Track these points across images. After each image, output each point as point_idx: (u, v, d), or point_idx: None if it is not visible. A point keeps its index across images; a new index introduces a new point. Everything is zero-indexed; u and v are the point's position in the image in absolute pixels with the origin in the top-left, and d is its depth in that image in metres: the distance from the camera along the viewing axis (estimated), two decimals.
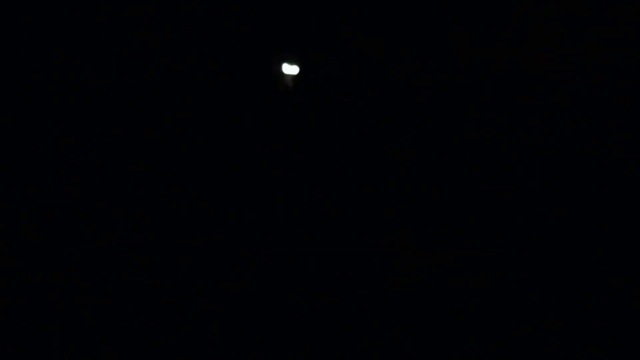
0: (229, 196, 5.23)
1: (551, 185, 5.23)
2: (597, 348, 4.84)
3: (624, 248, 5.07)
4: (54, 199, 5.11)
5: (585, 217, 5.16)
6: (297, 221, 5.20)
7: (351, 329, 4.92)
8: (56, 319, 4.85)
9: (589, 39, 5.34)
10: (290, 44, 5.44)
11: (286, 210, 5.22)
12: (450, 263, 5.09)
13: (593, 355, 4.83)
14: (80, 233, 5.07)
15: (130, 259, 5.03)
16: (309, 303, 4.98)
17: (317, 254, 5.11)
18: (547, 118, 5.32)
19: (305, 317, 4.94)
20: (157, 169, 5.23)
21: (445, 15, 5.41)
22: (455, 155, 5.31)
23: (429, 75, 5.40)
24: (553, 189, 5.22)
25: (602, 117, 5.30)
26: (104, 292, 4.94)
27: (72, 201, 5.12)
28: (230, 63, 5.41)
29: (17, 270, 4.95)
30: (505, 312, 4.96)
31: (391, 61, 5.42)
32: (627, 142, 5.25)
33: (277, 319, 4.93)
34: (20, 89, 5.26)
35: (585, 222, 5.16)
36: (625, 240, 5.09)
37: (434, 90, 5.39)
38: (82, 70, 5.31)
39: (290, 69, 5.38)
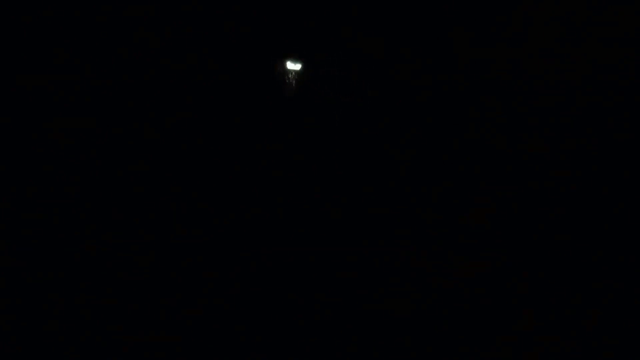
0: (229, 196, 5.23)
1: (551, 185, 5.23)
2: (597, 348, 4.84)
3: (624, 248, 5.07)
4: (54, 199, 5.11)
5: (585, 217, 5.16)
6: (297, 221, 5.20)
7: (351, 329, 4.92)
8: (56, 319, 4.85)
9: (589, 39, 5.34)
10: (291, 44, 5.43)
11: (286, 210, 5.22)
12: (450, 263, 5.09)
13: (593, 355, 4.83)
14: (81, 233, 5.07)
15: (130, 259, 5.03)
16: (309, 303, 4.98)
17: (317, 254, 5.11)
18: (547, 118, 5.32)
19: (305, 317, 4.94)
20: (157, 169, 5.23)
21: (445, 15, 5.40)
22: (455, 155, 5.31)
23: (429, 75, 5.40)
24: (553, 189, 5.22)
25: (602, 117, 5.30)
26: (104, 292, 4.94)
27: (72, 201, 5.12)
28: (230, 63, 5.41)
29: (17, 270, 4.95)
30: (505, 312, 4.96)
31: (391, 61, 5.42)
32: (627, 142, 5.25)
33: (277, 319, 4.93)
34: (20, 89, 5.26)
35: (585, 222, 5.16)
36: (625, 240, 5.09)
37: (434, 90, 5.39)
38: (82, 70, 5.31)
39: (293, 66, 5.38)
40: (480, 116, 5.35)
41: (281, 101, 5.45)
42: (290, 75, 5.44)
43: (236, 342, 4.87)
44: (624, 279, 5.00)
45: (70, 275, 4.96)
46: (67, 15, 5.31)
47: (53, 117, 5.24)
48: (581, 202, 5.19)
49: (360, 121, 5.40)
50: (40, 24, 5.29)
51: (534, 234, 5.14)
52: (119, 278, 4.97)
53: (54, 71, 5.29)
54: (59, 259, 4.99)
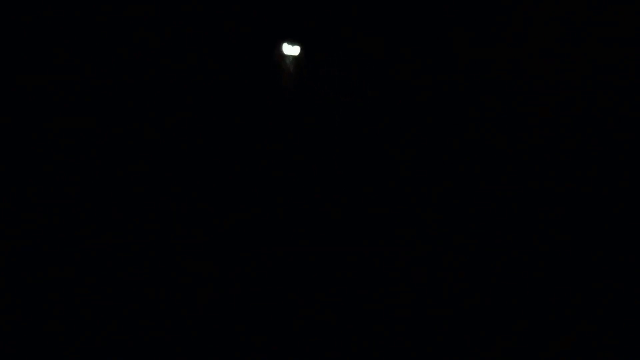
0: (229, 196, 5.23)
1: (551, 185, 5.23)
2: (597, 348, 4.84)
3: (624, 248, 5.07)
4: (54, 199, 5.11)
5: (585, 217, 5.16)
6: (297, 221, 5.20)
7: (351, 329, 4.92)
8: (56, 319, 4.85)
9: (589, 39, 5.34)
10: (291, 44, 5.43)
11: (286, 210, 5.22)
12: (450, 263, 5.09)
13: (593, 355, 4.83)
14: (80, 233, 5.07)
15: (130, 259, 5.03)
16: (309, 303, 4.98)
17: (317, 254, 5.12)
18: (547, 118, 5.32)
19: (305, 317, 4.94)
20: (157, 169, 5.23)
21: (445, 15, 5.41)
22: (455, 155, 5.31)
23: (429, 75, 5.40)
24: (553, 189, 5.22)
25: (602, 117, 5.30)
26: (104, 292, 4.94)
27: (72, 201, 5.12)
28: (229, 63, 5.41)
29: (17, 270, 4.95)
30: (506, 312, 4.96)
31: (391, 61, 5.42)
32: (627, 142, 5.25)
33: (277, 319, 4.93)
34: (20, 89, 5.26)
35: (585, 222, 5.16)
36: (625, 240, 5.09)
37: (434, 90, 5.39)
38: (82, 70, 5.31)
39: (291, 50, 5.36)
40: (480, 116, 5.35)
41: (281, 101, 5.45)
42: (289, 75, 5.43)
43: (236, 342, 4.87)
44: (624, 279, 5.00)
45: (71, 275, 4.96)
46: (67, 15, 5.31)
47: (53, 117, 5.24)
48: (581, 202, 5.19)
49: (360, 121, 5.40)
50: (40, 24, 5.29)
51: (534, 234, 5.15)
52: (119, 278, 4.98)
53: (54, 71, 5.29)
54: (59, 259, 4.99)
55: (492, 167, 5.28)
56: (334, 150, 5.37)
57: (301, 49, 5.36)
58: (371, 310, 4.97)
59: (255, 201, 5.23)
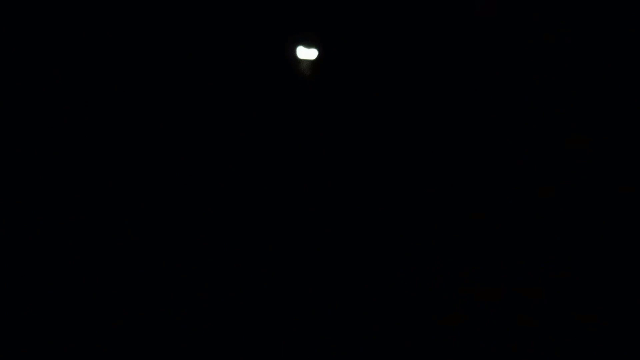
0: (230, 196, 5.23)
1: (552, 186, 5.23)
2: (597, 348, 4.85)
3: (624, 248, 5.08)
4: (54, 199, 5.11)
5: (586, 217, 5.17)
6: (297, 221, 5.20)
7: (351, 329, 4.92)
8: (56, 319, 4.85)
9: (588, 39, 5.34)
10: (294, 46, 5.44)
11: (286, 210, 5.22)
12: (451, 264, 5.10)
13: (593, 355, 4.83)
14: (80, 233, 5.07)
15: (130, 259, 5.03)
16: (309, 303, 4.99)
17: (317, 253, 5.12)
18: (548, 119, 5.32)
19: (305, 317, 4.94)
20: (157, 169, 5.24)
21: (445, 15, 5.41)
22: (456, 155, 5.31)
23: (429, 75, 5.40)
24: (554, 189, 5.22)
25: (602, 117, 5.30)
26: (104, 292, 4.94)
27: (72, 201, 5.12)
28: (229, 63, 5.42)
29: (17, 270, 4.95)
30: (506, 313, 4.97)
31: (391, 61, 5.42)
32: (627, 143, 5.26)
33: (277, 319, 4.94)
34: (20, 89, 5.26)
35: (585, 222, 5.16)
36: (625, 240, 5.10)
37: (434, 90, 5.39)
38: (82, 70, 5.31)
39: (306, 54, 5.35)
40: (480, 116, 5.35)
41: (282, 102, 5.45)
42: (306, 61, 5.42)
43: (236, 342, 4.87)
44: (624, 278, 5.00)
45: (70, 276, 4.97)
46: (67, 15, 5.31)
47: (53, 117, 5.24)
48: (582, 203, 5.19)
49: (361, 121, 5.40)
50: (40, 24, 5.29)
51: (535, 234, 5.15)
52: (119, 278, 4.98)
53: (54, 71, 5.29)
54: (59, 258, 5.00)
55: (492, 168, 5.28)
56: (334, 150, 5.37)
57: (318, 55, 5.35)
58: (372, 311, 4.97)
59: (256, 201, 5.23)
